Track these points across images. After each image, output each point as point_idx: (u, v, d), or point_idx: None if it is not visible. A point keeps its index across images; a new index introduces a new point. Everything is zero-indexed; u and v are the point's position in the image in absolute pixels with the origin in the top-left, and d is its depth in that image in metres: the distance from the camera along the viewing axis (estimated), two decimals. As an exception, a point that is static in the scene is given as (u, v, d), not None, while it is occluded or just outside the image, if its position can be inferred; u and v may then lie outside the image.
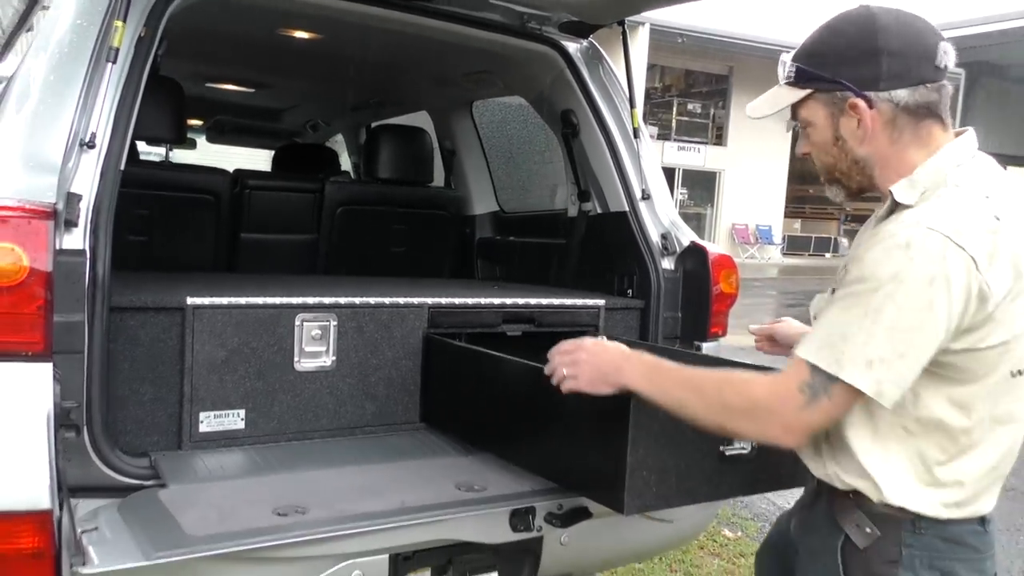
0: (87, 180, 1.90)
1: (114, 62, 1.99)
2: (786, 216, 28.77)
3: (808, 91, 1.48)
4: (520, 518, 2.01)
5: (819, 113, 1.49)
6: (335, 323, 2.28)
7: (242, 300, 2.16)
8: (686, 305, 2.72)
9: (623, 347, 1.68)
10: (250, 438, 2.19)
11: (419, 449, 2.30)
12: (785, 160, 26.57)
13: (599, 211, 3.01)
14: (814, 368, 1.36)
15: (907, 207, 1.41)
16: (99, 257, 1.86)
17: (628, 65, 2.85)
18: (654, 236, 2.77)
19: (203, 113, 5.56)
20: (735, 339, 2.88)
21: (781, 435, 1.42)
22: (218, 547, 1.62)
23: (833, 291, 1.47)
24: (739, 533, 4.20)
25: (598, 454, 1.79)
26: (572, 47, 2.92)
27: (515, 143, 4.04)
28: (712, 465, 1.79)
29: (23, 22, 3.58)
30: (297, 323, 2.22)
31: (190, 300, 2.07)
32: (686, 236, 2.77)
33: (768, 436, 1.45)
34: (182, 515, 1.71)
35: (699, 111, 27.24)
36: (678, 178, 25.54)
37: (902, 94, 1.42)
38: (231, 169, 3.64)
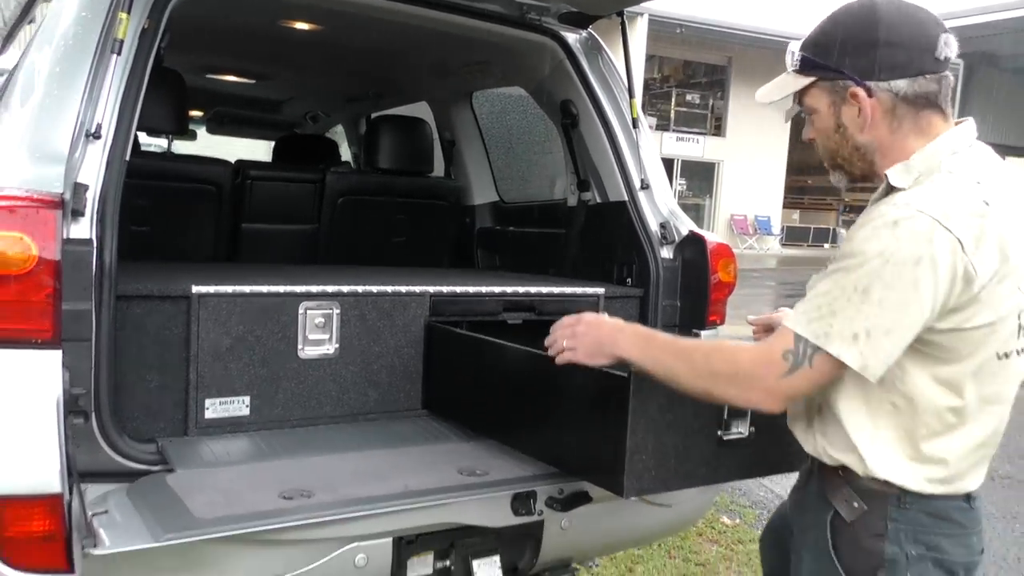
0: (93, 170, 1.92)
1: (119, 54, 2.01)
2: (785, 207, 28.76)
3: (812, 79, 1.53)
4: (521, 502, 2.04)
5: (822, 101, 1.53)
6: (338, 311, 2.30)
7: (246, 288, 2.18)
8: (685, 294, 2.75)
9: (620, 321, 1.76)
10: (255, 424, 2.22)
11: (421, 435, 2.33)
12: (784, 151, 26.58)
13: (598, 201, 3.03)
14: (799, 337, 1.41)
15: (900, 190, 1.45)
16: (106, 246, 1.88)
17: (627, 56, 2.87)
18: (653, 225, 2.79)
19: (204, 104, 5.57)
20: (733, 328, 2.91)
21: (763, 399, 1.48)
22: (226, 529, 1.65)
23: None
24: (737, 520, 4.24)
25: (598, 438, 1.81)
26: (571, 38, 2.94)
27: (515, 133, 4.06)
28: (710, 449, 1.82)
29: (25, 15, 3.59)
30: (300, 311, 2.25)
31: (195, 288, 2.10)
32: (685, 225, 2.80)
33: (751, 401, 1.51)
34: (190, 499, 1.74)
35: (698, 102, 27.20)
36: (677, 169, 25.54)
37: (901, 84, 1.46)
38: (232, 160, 3.66)
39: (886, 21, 1.45)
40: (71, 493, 1.72)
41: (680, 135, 25.92)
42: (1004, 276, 1.40)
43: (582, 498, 2.09)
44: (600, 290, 2.72)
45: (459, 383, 2.40)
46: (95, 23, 2.03)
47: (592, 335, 1.75)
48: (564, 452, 1.99)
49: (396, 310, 2.40)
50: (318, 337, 2.29)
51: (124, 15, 2.01)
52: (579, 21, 2.92)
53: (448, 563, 2.11)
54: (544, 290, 2.65)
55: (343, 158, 5.46)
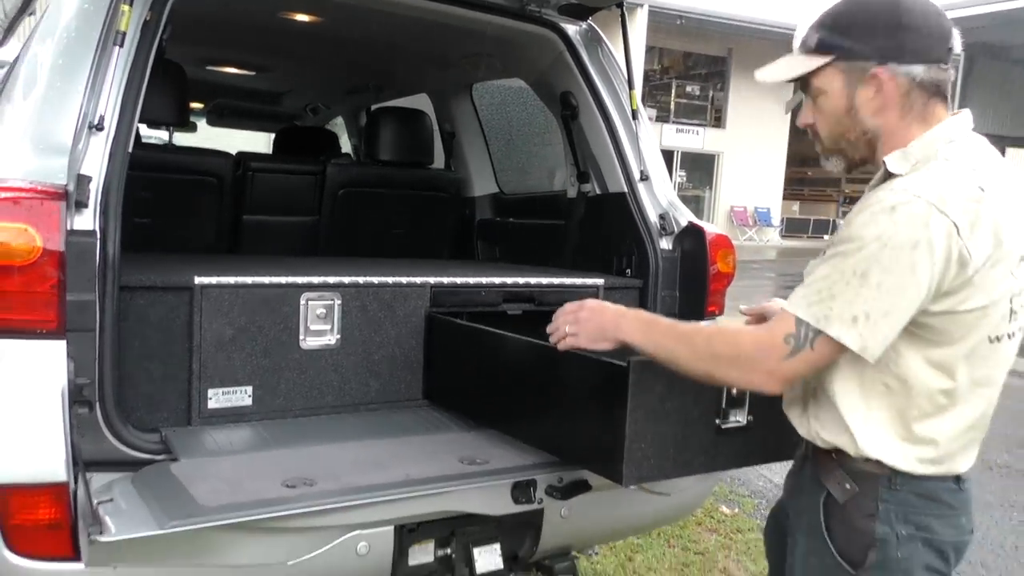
0: (96, 162, 1.93)
1: (121, 46, 2.02)
2: (785, 198, 28.76)
3: (828, 59, 1.51)
4: (522, 490, 2.06)
5: (836, 82, 1.52)
6: (339, 302, 2.32)
7: (248, 280, 2.20)
8: (684, 284, 2.77)
9: (622, 307, 1.78)
10: (258, 414, 2.24)
11: (422, 425, 2.35)
12: (784, 142, 26.56)
13: (598, 192, 3.04)
14: (800, 321, 1.44)
15: (897, 177, 1.47)
16: (109, 237, 1.90)
17: (627, 47, 2.87)
18: (652, 216, 2.80)
19: (204, 96, 5.58)
20: (732, 319, 2.92)
21: (764, 381, 1.50)
22: (229, 517, 1.67)
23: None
24: (736, 510, 4.27)
25: (597, 427, 1.83)
26: (571, 29, 2.95)
27: (515, 125, 4.07)
28: (709, 438, 1.84)
29: (25, 7, 3.60)
30: (302, 302, 2.26)
31: (198, 279, 2.11)
32: (684, 216, 2.81)
33: (753, 383, 1.53)
34: (194, 487, 1.76)
35: (698, 93, 27.18)
36: (677, 160, 25.52)
37: (919, 70, 1.48)
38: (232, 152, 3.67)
39: (907, 5, 1.47)
40: (76, 482, 1.74)
41: (680, 127, 25.90)
42: (997, 261, 1.42)
43: (581, 486, 2.11)
44: (600, 281, 2.73)
45: (460, 373, 2.42)
46: (97, 15, 2.04)
47: (595, 320, 1.77)
48: (564, 441, 2.01)
49: (397, 301, 2.42)
50: (320, 328, 2.30)
51: (126, 7, 2.02)
52: (579, 13, 2.93)
53: (449, 551, 2.13)
54: (544, 281, 2.66)
55: (343, 150, 5.47)
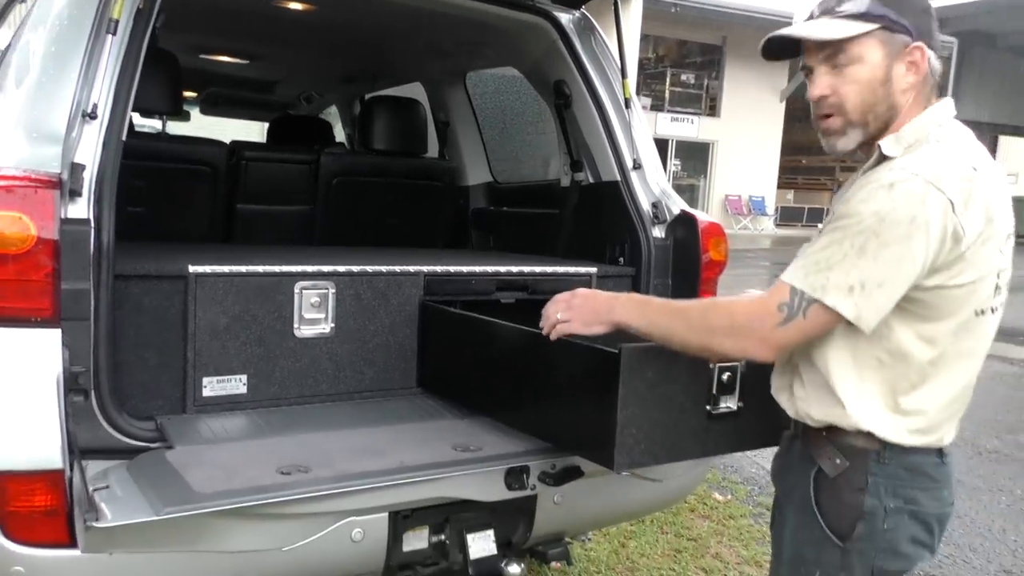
0: (90, 150, 1.94)
1: (114, 34, 2.02)
2: (779, 187, 28.78)
3: (874, 27, 1.52)
4: (515, 477, 2.08)
5: (877, 52, 1.52)
6: (333, 291, 2.33)
7: (243, 268, 2.21)
8: (676, 272, 2.78)
9: (614, 293, 1.82)
10: (252, 402, 2.25)
11: (416, 413, 2.36)
12: (778, 131, 26.54)
13: (591, 181, 3.05)
14: (794, 290, 1.48)
15: (891, 159, 1.51)
16: (103, 226, 1.90)
17: (620, 35, 2.88)
18: (645, 205, 2.81)
19: (197, 85, 5.56)
20: (724, 306, 2.94)
21: (756, 348, 1.54)
22: (224, 503, 1.68)
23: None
24: (729, 496, 4.30)
25: (589, 414, 1.85)
26: (564, 18, 2.95)
27: (508, 114, 4.07)
28: (699, 423, 1.85)
29: (16, -6, 3.58)
30: (296, 291, 2.27)
31: (192, 268, 2.12)
32: (676, 205, 2.82)
33: (746, 350, 1.56)
34: (189, 474, 1.77)
35: (692, 82, 27.13)
36: (671, 149, 25.51)
37: (932, 54, 1.55)
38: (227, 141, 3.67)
39: None
40: (72, 469, 1.75)
41: (675, 115, 25.87)
42: (988, 238, 1.48)
43: (574, 473, 2.12)
44: (592, 269, 2.75)
45: (453, 361, 2.43)
46: (90, 3, 2.04)
47: (588, 305, 1.80)
48: (556, 428, 2.03)
49: (391, 290, 2.43)
50: (314, 316, 2.31)
51: (119, -5, 2.02)
52: (572, 1, 2.93)
53: (443, 537, 2.15)
54: (537, 269, 2.67)
55: (337, 139, 5.46)
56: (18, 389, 1.76)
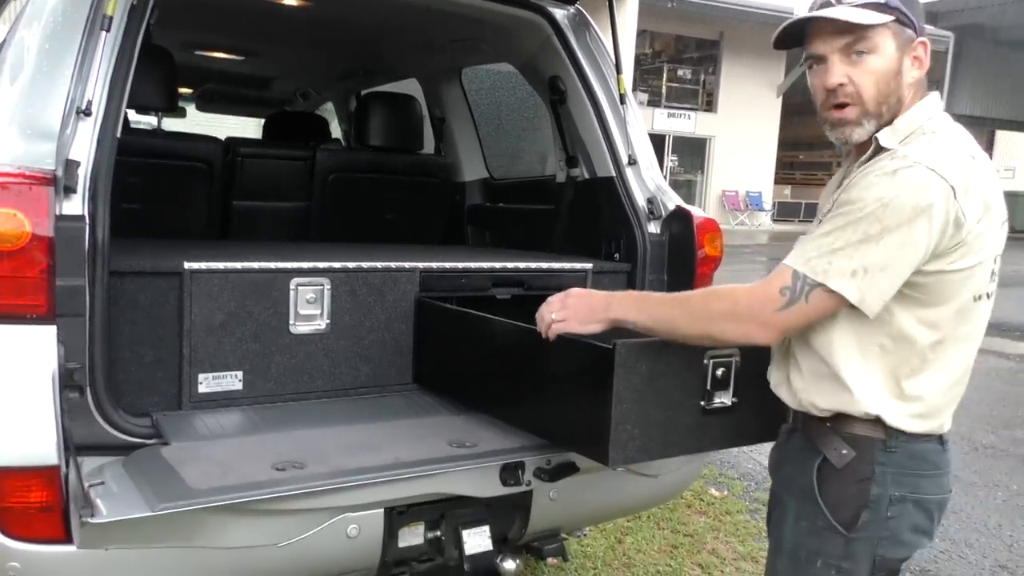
0: (85, 147, 1.93)
1: (108, 30, 2.01)
2: (776, 182, 28.75)
3: (890, 19, 1.53)
4: (510, 473, 2.08)
5: (890, 43, 1.55)
6: (329, 287, 2.33)
7: (238, 265, 2.21)
8: (672, 268, 2.78)
9: (608, 291, 1.83)
10: (248, 399, 2.25)
11: (412, 409, 2.37)
12: (775, 126, 26.53)
13: (587, 177, 3.05)
14: (797, 274, 1.50)
15: (888, 150, 1.53)
16: (98, 223, 1.90)
17: (614, 31, 2.88)
18: (640, 200, 2.81)
19: (193, 81, 5.55)
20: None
21: (758, 332, 1.55)
22: (220, 499, 1.69)
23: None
24: (725, 492, 4.31)
25: (584, 410, 1.86)
26: (559, 13, 2.94)
27: (504, 110, 4.07)
28: (694, 419, 1.86)
29: (10, -9, 3.58)
30: (292, 287, 2.27)
31: (187, 265, 2.12)
32: (671, 200, 2.82)
33: (748, 334, 1.57)
34: (184, 470, 1.78)
35: (689, 77, 27.10)
36: (668, 145, 25.50)
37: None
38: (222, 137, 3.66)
39: None
40: (68, 465, 1.75)
41: (671, 111, 25.83)
42: (986, 224, 1.51)
43: (569, 468, 2.13)
44: (588, 265, 2.75)
45: (449, 358, 2.43)
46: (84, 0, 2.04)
47: (584, 303, 1.80)
48: (552, 424, 2.04)
49: (386, 286, 2.43)
50: (309, 312, 2.31)
51: (113, -8, 2.01)
52: (567, -3, 2.93)
53: (439, 533, 2.15)
54: (533, 265, 2.68)
55: (333, 135, 5.45)
56: (13, 385, 1.77)
